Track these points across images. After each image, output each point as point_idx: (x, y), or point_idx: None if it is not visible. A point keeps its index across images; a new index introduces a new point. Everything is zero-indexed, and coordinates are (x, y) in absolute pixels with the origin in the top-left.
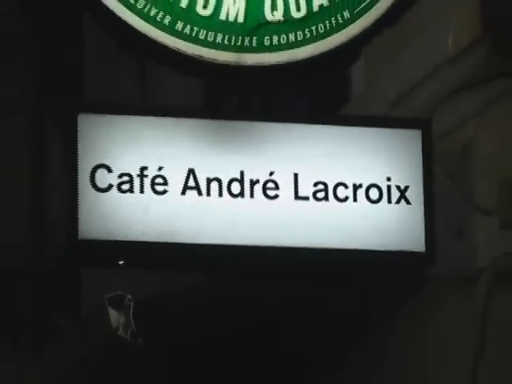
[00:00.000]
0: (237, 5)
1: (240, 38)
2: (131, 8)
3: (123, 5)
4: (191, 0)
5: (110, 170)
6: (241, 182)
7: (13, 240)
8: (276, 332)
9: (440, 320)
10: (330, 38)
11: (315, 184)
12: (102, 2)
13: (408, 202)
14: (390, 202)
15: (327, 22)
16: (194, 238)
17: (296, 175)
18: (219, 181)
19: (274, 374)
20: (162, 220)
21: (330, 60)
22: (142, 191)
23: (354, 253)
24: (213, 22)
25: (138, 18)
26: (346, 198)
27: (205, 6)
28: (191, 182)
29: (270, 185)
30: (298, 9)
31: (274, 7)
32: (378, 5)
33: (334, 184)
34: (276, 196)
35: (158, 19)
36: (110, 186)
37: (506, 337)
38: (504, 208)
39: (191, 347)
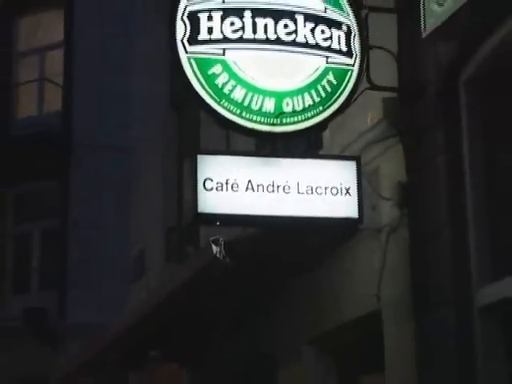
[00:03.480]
0: (270, 104)
1: (272, 119)
2: (223, 106)
3: (220, 106)
4: (249, 101)
5: (211, 180)
6: (273, 185)
7: (171, 216)
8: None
9: (362, 251)
10: (314, 118)
11: (307, 186)
12: (210, 106)
13: (350, 195)
14: (341, 194)
15: (313, 111)
16: (251, 211)
17: (298, 182)
18: (262, 185)
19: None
20: (236, 204)
21: (314, 128)
22: (227, 191)
23: (325, 219)
24: (259, 112)
25: (225, 111)
26: (321, 193)
27: (255, 104)
28: (249, 186)
29: (287, 186)
30: (298, 105)
31: (287, 104)
32: (335, 104)
33: (316, 186)
34: (289, 192)
35: (234, 111)
36: (212, 188)
37: (396, 260)
38: (395, 197)
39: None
